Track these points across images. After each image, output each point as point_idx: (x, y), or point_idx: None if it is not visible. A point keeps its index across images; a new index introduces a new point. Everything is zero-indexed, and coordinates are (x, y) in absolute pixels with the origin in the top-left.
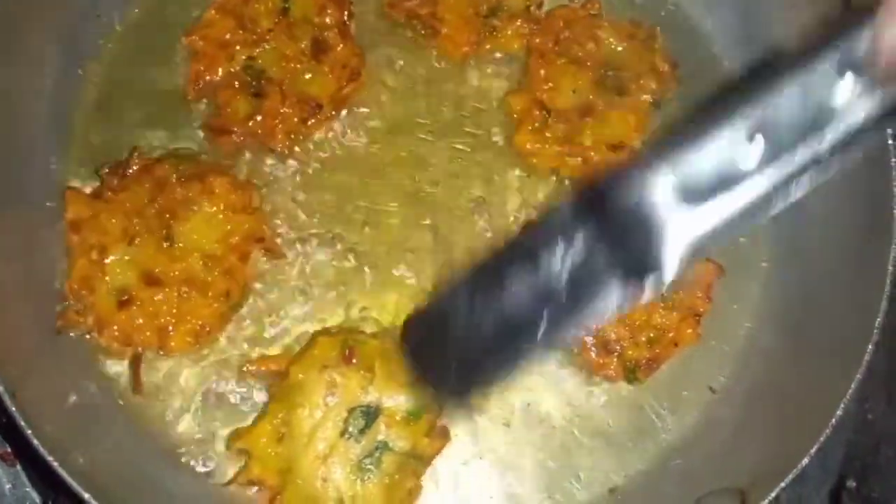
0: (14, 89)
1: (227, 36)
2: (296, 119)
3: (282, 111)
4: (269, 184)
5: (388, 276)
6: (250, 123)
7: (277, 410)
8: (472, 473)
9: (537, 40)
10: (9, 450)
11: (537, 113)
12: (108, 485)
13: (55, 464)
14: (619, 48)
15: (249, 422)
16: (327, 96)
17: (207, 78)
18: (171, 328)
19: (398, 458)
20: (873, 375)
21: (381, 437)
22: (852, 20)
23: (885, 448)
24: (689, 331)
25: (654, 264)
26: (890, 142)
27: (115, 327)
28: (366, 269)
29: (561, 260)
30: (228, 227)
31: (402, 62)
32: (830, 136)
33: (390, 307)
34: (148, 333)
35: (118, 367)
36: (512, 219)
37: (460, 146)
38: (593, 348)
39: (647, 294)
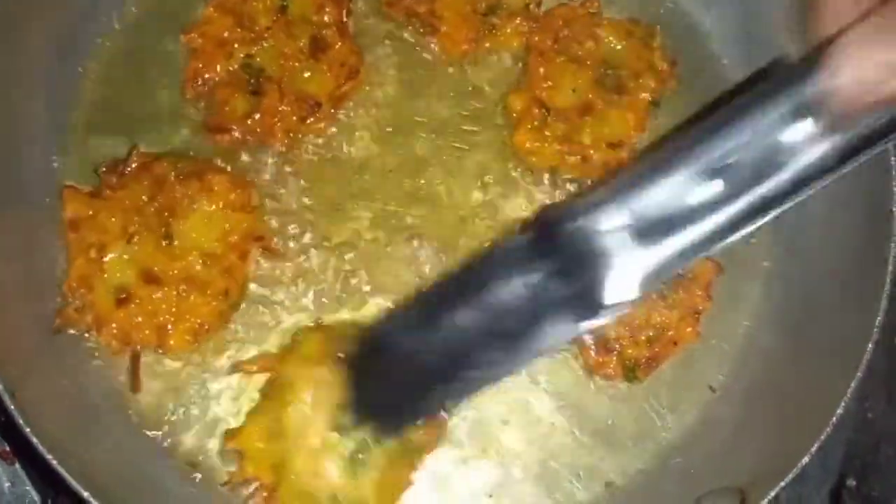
0: (13, 88)
1: (226, 34)
2: (294, 117)
3: (280, 109)
4: (268, 182)
5: (387, 276)
6: (249, 121)
7: (269, 408)
8: (470, 472)
9: (536, 38)
10: (8, 448)
11: (536, 111)
12: (108, 483)
13: (54, 462)
14: (618, 46)
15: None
16: (326, 94)
17: (206, 76)
18: (170, 327)
19: (391, 450)
20: (873, 374)
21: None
22: (809, 62)
23: (886, 447)
24: (689, 329)
25: (605, 298)
26: None
27: (114, 325)
28: (364, 268)
29: (510, 292)
30: (227, 225)
31: (400, 60)
32: (787, 176)
33: (389, 307)
34: (147, 332)
35: (117, 366)
36: (512, 218)
37: (459, 144)
38: (592, 347)
39: (599, 325)
